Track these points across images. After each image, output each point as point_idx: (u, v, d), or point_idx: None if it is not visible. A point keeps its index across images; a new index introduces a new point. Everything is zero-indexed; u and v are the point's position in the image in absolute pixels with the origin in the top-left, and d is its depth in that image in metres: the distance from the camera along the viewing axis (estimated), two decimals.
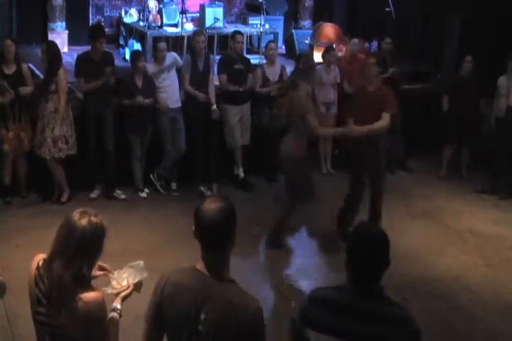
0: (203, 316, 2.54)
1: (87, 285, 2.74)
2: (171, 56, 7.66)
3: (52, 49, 7.03)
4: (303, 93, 6.29)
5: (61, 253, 2.70)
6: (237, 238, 2.62)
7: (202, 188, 7.69)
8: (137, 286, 3.04)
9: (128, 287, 3.01)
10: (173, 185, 7.79)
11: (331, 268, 6.13)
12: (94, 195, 7.43)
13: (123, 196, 7.48)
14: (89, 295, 2.69)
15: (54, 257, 2.72)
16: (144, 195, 7.61)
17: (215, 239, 2.56)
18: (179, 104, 7.63)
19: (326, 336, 2.61)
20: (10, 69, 6.94)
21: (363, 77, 6.47)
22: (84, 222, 2.72)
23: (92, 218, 2.75)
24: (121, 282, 3.02)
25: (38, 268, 2.79)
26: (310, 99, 6.53)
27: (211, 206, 2.56)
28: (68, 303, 2.65)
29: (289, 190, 6.46)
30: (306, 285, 5.89)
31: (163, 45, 7.58)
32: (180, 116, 7.63)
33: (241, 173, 8.04)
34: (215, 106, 7.66)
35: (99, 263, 2.98)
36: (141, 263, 3.09)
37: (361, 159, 6.39)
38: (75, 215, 2.75)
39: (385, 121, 6.21)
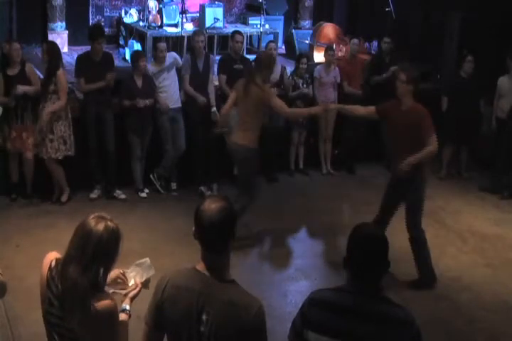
0: (204, 317, 2.54)
1: (101, 291, 2.73)
2: (171, 56, 7.66)
3: (53, 49, 7.04)
4: (259, 81, 6.16)
5: (77, 258, 2.67)
6: (237, 238, 2.62)
7: (202, 188, 7.69)
8: (145, 283, 3.04)
9: (136, 286, 3.01)
10: (173, 185, 7.80)
11: (331, 268, 6.13)
12: (94, 195, 7.43)
13: (123, 196, 7.48)
14: (102, 303, 2.67)
15: (69, 262, 2.69)
16: (143, 195, 7.61)
17: (216, 239, 2.56)
18: (179, 104, 7.63)
19: (327, 337, 2.61)
20: (13, 71, 6.96)
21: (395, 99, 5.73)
22: (101, 227, 2.69)
23: (109, 223, 2.73)
24: (128, 281, 3.02)
25: (50, 268, 2.77)
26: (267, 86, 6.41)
27: (211, 206, 2.55)
28: (81, 309, 2.64)
29: (250, 187, 6.38)
30: (306, 285, 5.91)
31: (163, 45, 7.58)
32: (180, 116, 7.63)
33: None
34: (214, 109, 7.64)
35: (119, 271, 2.99)
36: (148, 260, 3.08)
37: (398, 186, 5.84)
38: (92, 221, 2.71)
39: (432, 145, 5.59)
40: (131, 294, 2.98)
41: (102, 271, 2.71)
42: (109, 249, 2.71)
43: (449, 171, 8.66)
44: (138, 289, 3.00)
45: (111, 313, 2.70)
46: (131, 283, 3.02)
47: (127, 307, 2.93)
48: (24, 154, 7.07)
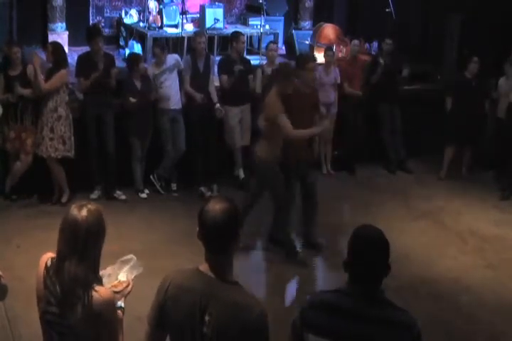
0: (207, 318, 2.53)
1: (98, 282, 2.76)
2: (173, 58, 7.67)
3: (58, 50, 7.06)
4: (273, 93, 6.03)
5: (71, 251, 2.70)
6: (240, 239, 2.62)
7: (202, 189, 7.69)
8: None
9: (128, 284, 3.01)
10: (174, 186, 7.80)
11: (331, 268, 6.13)
12: (94, 195, 7.42)
13: (123, 197, 7.48)
14: (102, 291, 2.71)
15: (63, 259, 2.72)
16: (144, 195, 7.61)
17: (220, 240, 2.56)
18: (179, 106, 7.62)
19: (326, 340, 2.60)
20: (15, 71, 6.98)
21: None
22: (84, 213, 2.74)
23: (89, 206, 2.79)
24: (118, 278, 3.01)
25: (46, 268, 2.79)
26: (279, 100, 5.97)
27: (216, 207, 2.55)
28: (83, 300, 2.66)
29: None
30: (306, 287, 5.90)
31: (158, 50, 7.55)
32: (180, 117, 7.64)
33: (241, 174, 8.04)
34: (218, 105, 7.67)
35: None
36: (134, 257, 3.09)
37: None
38: (74, 210, 2.76)
39: None
40: (125, 292, 2.98)
41: (96, 252, 2.76)
42: (99, 230, 2.76)
43: (449, 171, 8.65)
44: (130, 287, 3.01)
45: (110, 301, 2.72)
46: (123, 279, 3.01)
47: (122, 305, 2.94)
48: (21, 154, 7.05)
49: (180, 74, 7.67)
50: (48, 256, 2.83)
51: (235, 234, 2.58)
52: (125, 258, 3.08)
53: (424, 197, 7.95)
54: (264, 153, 6.05)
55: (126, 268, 3.05)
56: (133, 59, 7.53)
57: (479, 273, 6.22)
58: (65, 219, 2.77)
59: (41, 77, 6.86)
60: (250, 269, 6.13)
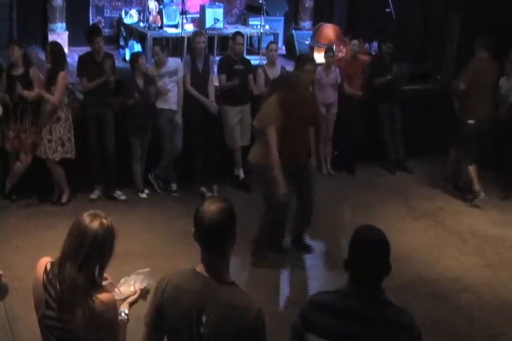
0: (204, 318, 2.54)
1: (99, 287, 2.74)
2: (174, 62, 7.66)
3: (57, 50, 7.06)
4: (272, 101, 5.93)
5: (73, 256, 2.67)
6: (237, 239, 2.62)
7: (203, 189, 7.69)
8: (143, 293, 3.04)
9: (135, 292, 3.01)
10: (174, 186, 7.79)
11: (332, 269, 6.13)
12: (94, 195, 7.42)
13: (123, 197, 7.48)
14: (104, 296, 2.69)
15: (65, 261, 2.70)
16: (144, 195, 7.61)
17: (216, 240, 2.56)
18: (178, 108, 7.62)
19: (327, 340, 2.61)
20: (18, 71, 6.98)
21: None
22: (95, 224, 2.70)
23: (104, 220, 2.73)
24: (128, 288, 3.03)
25: (45, 271, 2.76)
26: (277, 109, 5.87)
27: (211, 207, 2.56)
28: (84, 304, 2.64)
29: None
30: (306, 287, 5.90)
31: (158, 48, 7.55)
32: (178, 117, 7.63)
33: (241, 174, 8.04)
34: (214, 104, 7.66)
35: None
36: (149, 270, 3.10)
37: None
38: (86, 218, 2.72)
39: None
40: (129, 299, 2.98)
41: (97, 268, 2.72)
42: (105, 246, 2.71)
43: (452, 172, 8.61)
44: (137, 295, 3.00)
45: (112, 306, 2.71)
46: (131, 289, 3.03)
47: (126, 311, 2.93)
48: (20, 154, 7.05)
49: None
50: (47, 261, 2.81)
51: (231, 234, 2.58)
52: (141, 270, 3.10)
53: (424, 197, 7.95)
54: (258, 156, 6.00)
55: (139, 278, 3.06)
56: (133, 57, 7.54)
57: (479, 273, 6.22)
58: (75, 224, 2.73)
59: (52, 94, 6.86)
60: (249, 268, 6.14)
